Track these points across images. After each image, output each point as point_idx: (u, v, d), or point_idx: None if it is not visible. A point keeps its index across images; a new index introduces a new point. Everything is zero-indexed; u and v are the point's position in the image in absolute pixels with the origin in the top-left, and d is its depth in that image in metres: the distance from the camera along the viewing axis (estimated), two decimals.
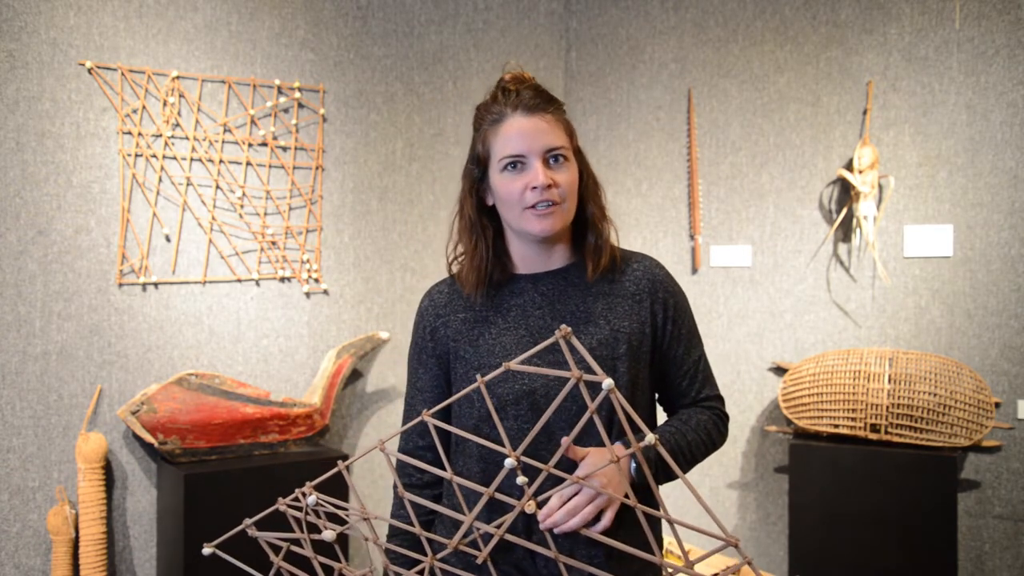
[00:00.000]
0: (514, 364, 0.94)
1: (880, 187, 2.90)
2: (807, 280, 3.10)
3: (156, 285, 2.75)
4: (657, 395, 1.44)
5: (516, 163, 1.28)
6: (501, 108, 1.31)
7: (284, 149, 3.00)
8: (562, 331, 0.89)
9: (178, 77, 2.78)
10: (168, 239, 2.78)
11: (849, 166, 2.96)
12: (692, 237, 3.38)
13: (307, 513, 1.04)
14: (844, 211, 2.97)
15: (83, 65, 2.62)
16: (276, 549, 1.07)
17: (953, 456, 2.60)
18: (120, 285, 2.69)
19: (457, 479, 1.05)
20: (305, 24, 3.05)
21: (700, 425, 1.35)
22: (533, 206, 1.27)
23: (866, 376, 2.72)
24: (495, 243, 1.36)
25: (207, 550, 1.05)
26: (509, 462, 0.97)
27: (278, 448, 2.81)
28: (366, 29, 3.20)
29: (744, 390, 3.25)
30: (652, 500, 1.29)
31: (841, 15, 3.01)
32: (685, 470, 1.30)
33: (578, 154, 1.35)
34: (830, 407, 2.77)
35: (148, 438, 2.57)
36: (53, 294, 2.57)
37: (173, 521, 2.55)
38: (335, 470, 1.06)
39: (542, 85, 1.35)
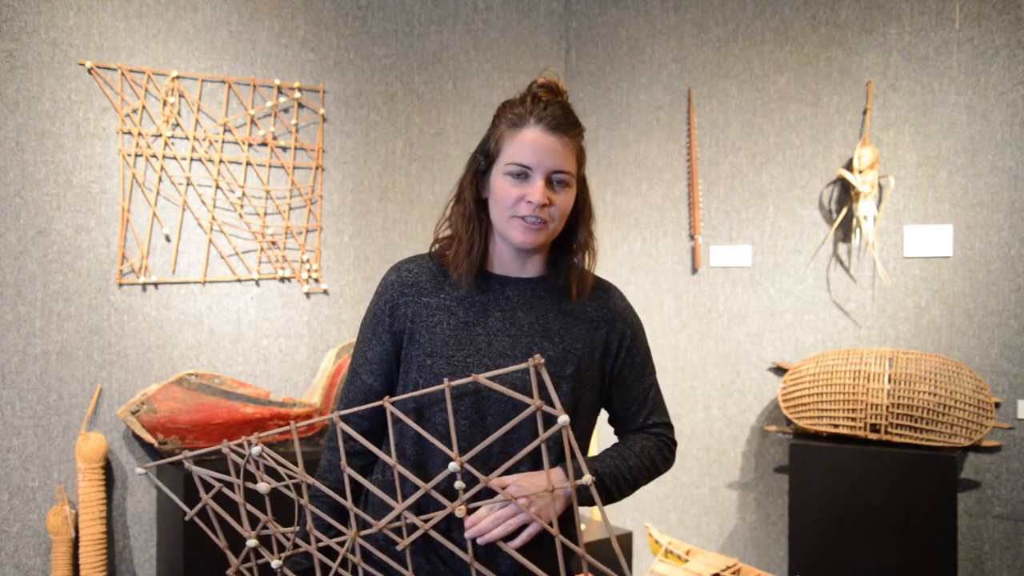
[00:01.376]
0: (482, 378, 0.96)
1: (880, 187, 2.90)
2: (807, 280, 3.10)
3: (156, 285, 2.75)
4: (608, 417, 1.50)
5: (521, 173, 1.31)
6: (525, 114, 1.32)
7: (284, 149, 3.00)
8: (534, 360, 0.91)
9: (178, 77, 2.78)
10: (168, 239, 2.78)
11: (849, 166, 2.96)
12: (692, 237, 3.38)
13: (248, 461, 1.03)
14: (844, 211, 2.97)
15: (83, 65, 2.62)
16: (208, 488, 1.07)
17: (953, 456, 2.60)
18: (120, 285, 2.69)
19: (400, 468, 1.06)
20: (305, 24, 3.06)
21: (643, 451, 1.41)
22: (523, 217, 1.30)
23: (866, 376, 2.72)
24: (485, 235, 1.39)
25: (139, 470, 1.05)
26: (453, 466, 0.98)
27: (278, 448, 2.80)
28: (366, 29, 3.20)
29: (744, 390, 3.25)
30: (573, 529, 1.33)
31: (841, 15, 3.01)
32: (627, 493, 1.37)
33: (581, 182, 1.40)
34: (830, 407, 2.77)
35: (148, 438, 2.57)
36: (53, 294, 2.57)
37: (173, 521, 2.55)
38: (285, 428, 1.07)
39: (570, 105, 1.37)
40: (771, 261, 3.18)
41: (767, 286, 3.19)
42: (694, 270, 3.38)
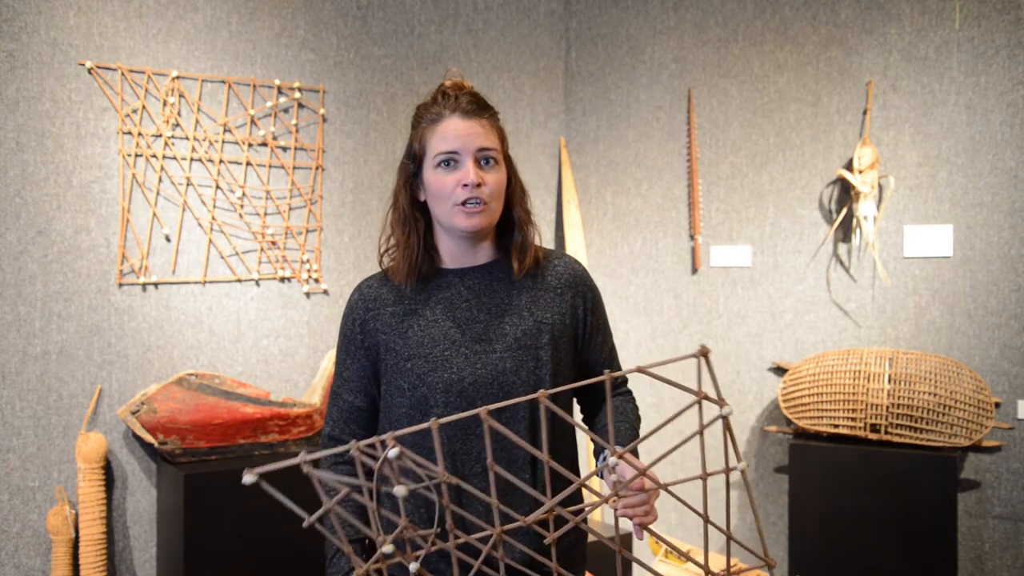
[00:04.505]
0: (648, 370, 0.95)
1: (880, 187, 2.90)
2: (807, 280, 3.09)
3: (156, 285, 2.75)
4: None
5: (450, 160, 1.36)
6: (440, 109, 1.38)
7: (284, 149, 3.00)
8: (701, 349, 0.89)
9: (178, 77, 2.78)
10: (168, 239, 2.78)
11: (849, 166, 2.96)
12: (692, 237, 3.38)
13: (383, 464, 1.01)
14: (844, 211, 2.97)
15: (83, 65, 2.62)
16: (332, 493, 1.04)
17: (953, 456, 2.60)
18: (120, 285, 2.69)
19: (552, 463, 1.04)
20: (305, 24, 3.05)
21: (633, 414, 1.51)
22: (463, 203, 1.35)
23: (866, 376, 2.72)
24: (425, 236, 1.44)
25: (248, 478, 1.00)
26: (612, 460, 0.96)
27: (278, 448, 2.80)
28: (366, 29, 3.20)
29: (744, 390, 3.25)
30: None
31: (841, 15, 3.01)
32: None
33: (507, 160, 1.44)
34: (830, 407, 2.77)
35: (148, 438, 2.56)
36: (53, 294, 2.57)
37: (173, 521, 2.55)
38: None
39: (479, 94, 1.44)
40: (771, 261, 3.18)
41: (767, 286, 3.19)
42: (694, 270, 3.38)
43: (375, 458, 1.01)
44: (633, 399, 1.55)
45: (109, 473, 2.66)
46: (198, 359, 2.83)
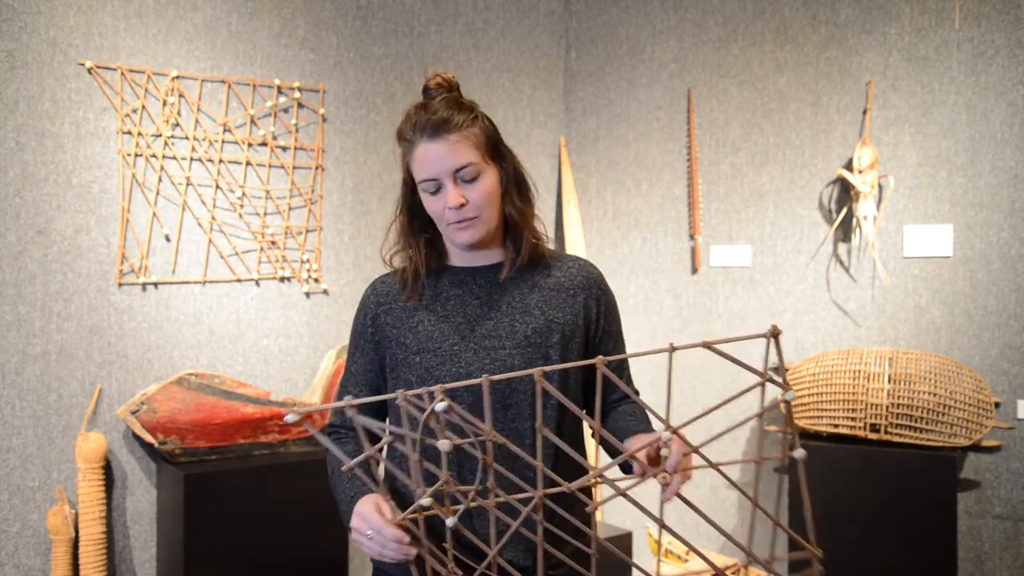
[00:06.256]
0: (712, 344, 0.93)
1: (880, 187, 2.90)
2: (807, 280, 3.09)
3: (156, 285, 2.75)
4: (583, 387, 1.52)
5: (432, 186, 1.36)
6: (412, 134, 1.36)
7: (284, 149, 3.00)
8: (772, 329, 0.87)
9: (178, 77, 2.78)
10: (168, 239, 2.78)
11: (849, 166, 2.96)
12: (692, 237, 3.38)
13: (430, 416, 0.99)
14: (844, 211, 2.97)
15: (83, 65, 2.62)
16: (375, 440, 1.02)
17: (953, 456, 2.60)
18: (120, 285, 2.69)
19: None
20: (305, 24, 3.06)
21: (644, 419, 1.49)
22: (454, 222, 1.36)
23: (866, 376, 2.72)
24: (435, 239, 1.45)
25: (291, 416, 0.97)
26: (665, 435, 0.96)
27: (278, 448, 2.80)
28: (366, 29, 3.20)
29: None
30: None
31: (841, 15, 3.01)
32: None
33: (496, 158, 1.40)
34: (830, 407, 2.77)
35: (148, 438, 2.57)
36: (53, 294, 2.57)
37: (173, 521, 2.55)
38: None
39: (452, 95, 1.39)
40: (771, 261, 3.18)
41: (767, 286, 3.19)
42: (694, 270, 3.38)
43: (422, 409, 0.99)
44: (643, 412, 1.51)
45: (109, 473, 2.66)
46: (198, 359, 2.83)
